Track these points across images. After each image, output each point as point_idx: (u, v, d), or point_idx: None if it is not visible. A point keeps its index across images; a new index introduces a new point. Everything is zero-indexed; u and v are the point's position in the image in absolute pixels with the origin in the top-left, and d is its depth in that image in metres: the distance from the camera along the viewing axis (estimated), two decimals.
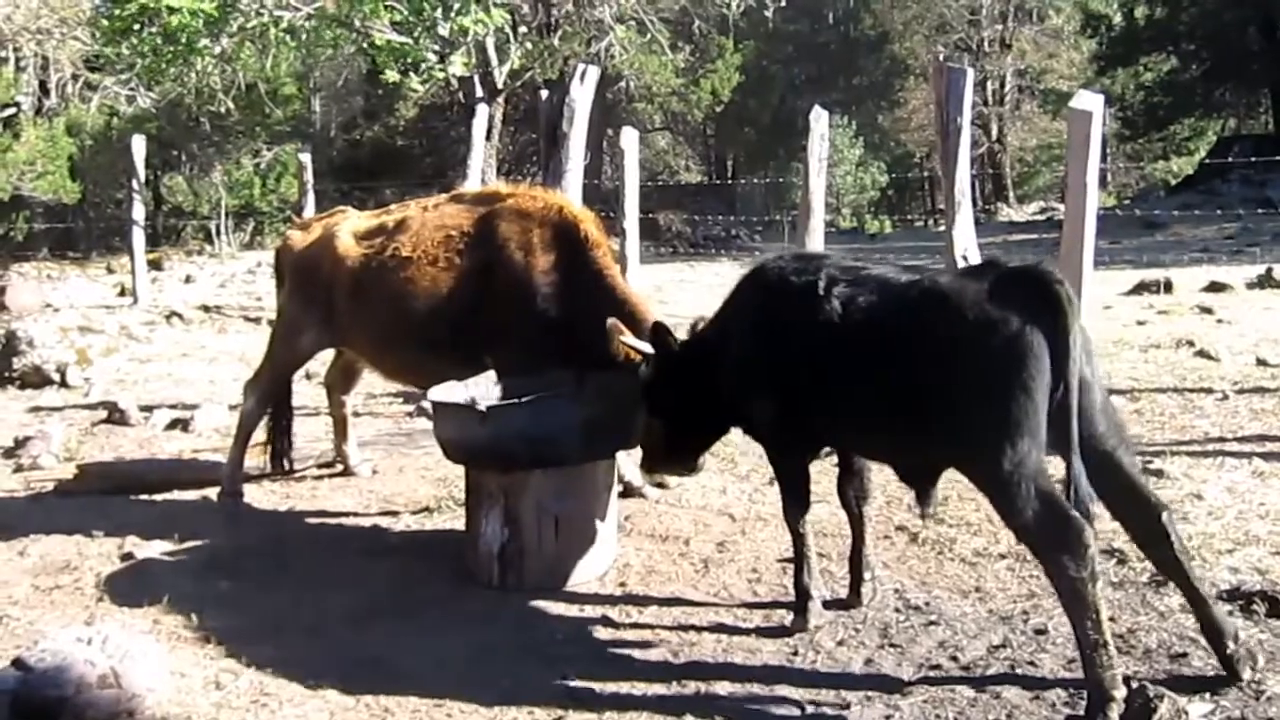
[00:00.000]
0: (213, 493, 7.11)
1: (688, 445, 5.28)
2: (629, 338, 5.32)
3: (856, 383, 4.28)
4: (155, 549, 6.01)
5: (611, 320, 5.39)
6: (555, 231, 6.05)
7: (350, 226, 6.76)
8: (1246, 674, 4.02)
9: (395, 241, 6.40)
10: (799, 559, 4.86)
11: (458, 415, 5.52)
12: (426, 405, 8.94)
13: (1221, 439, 7.35)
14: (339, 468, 7.64)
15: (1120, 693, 3.73)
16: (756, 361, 4.65)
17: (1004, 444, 3.78)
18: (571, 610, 5.14)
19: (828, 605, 4.95)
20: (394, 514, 6.75)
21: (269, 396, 7.24)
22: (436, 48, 15.97)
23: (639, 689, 4.29)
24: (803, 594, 4.84)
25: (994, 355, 3.85)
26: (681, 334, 5.24)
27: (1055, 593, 3.96)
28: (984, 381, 3.87)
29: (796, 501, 4.83)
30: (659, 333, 5.12)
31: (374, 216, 6.89)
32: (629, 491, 6.54)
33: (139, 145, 18.22)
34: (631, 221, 11.96)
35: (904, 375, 4.10)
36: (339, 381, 7.56)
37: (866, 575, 5.08)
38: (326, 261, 6.66)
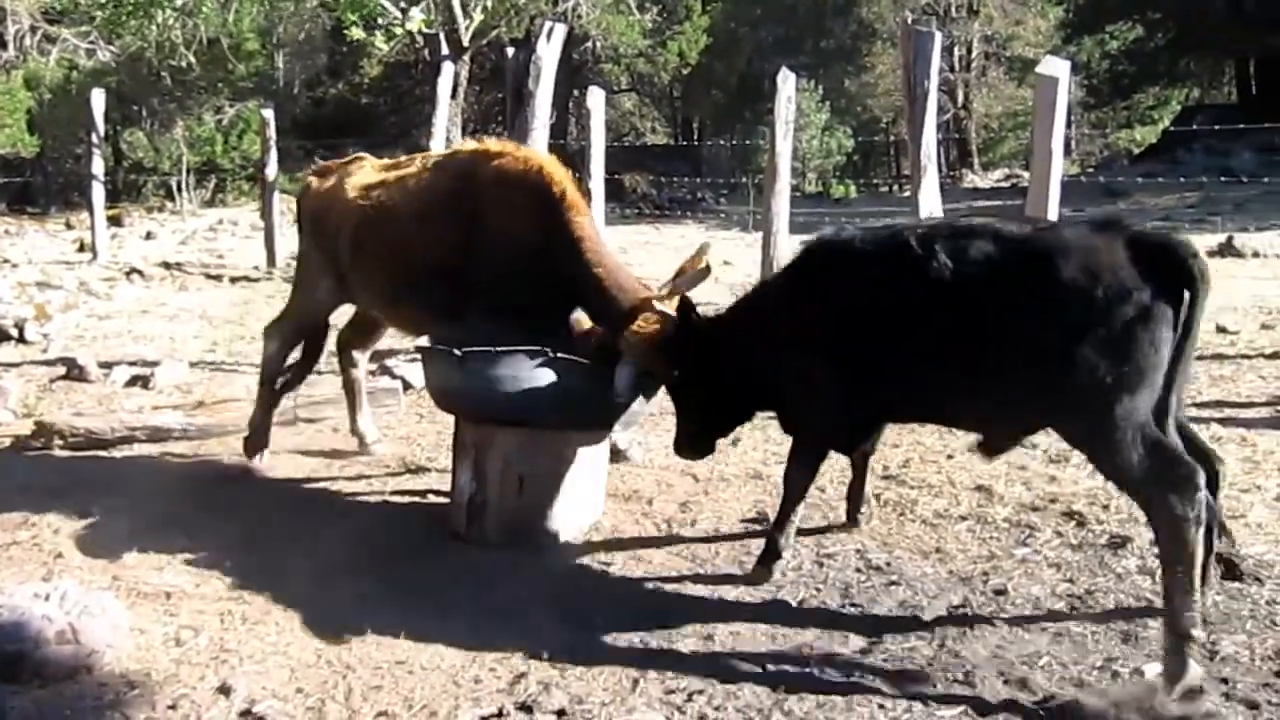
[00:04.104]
0: (176, 447, 7.06)
1: (709, 430, 5.30)
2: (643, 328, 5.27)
3: (958, 344, 4.19)
4: (115, 506, 5.94)
5: (575, 314, 5.31)
6: (533, 191, 5.82)
7: (356, 180, 6.55)
8: None
9: (390, 196, 6.26)
10: (783, 516, 4.96)
11: (438, 361, 5.51)
12: (390, 364, 8.94)
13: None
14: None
15: (1199, 634, 3.80)
16: (824, 332, 4.58)
17: (1120, 401, 3.86)
18: (538, 569, 5.13)
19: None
20: (363, 472, 6.72)
21: (290, 343, 6.96)
22: (402, 2, 15.83)
23: (602, 647, 4.30)
24: (773, 550, 4.94)
25: (1130, 320, 3.88)
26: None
27: (1153, 531, 4.01)
28: (1114, 344, 3.88)
29: (808, 474, 4.95)
30: (685, 312, 5.04)
31: (383, 169, 6.65)
32: (614, 455, 6.48)
33: (98, 99, 17.99)
34: (597, 182, 11.90)
35: (1012, 335, 4.07)
36: (353, 337, 7.17)
37: (862, 509, 5.48)
38: (335, 212, 6.52)
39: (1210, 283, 3.96)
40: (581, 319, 5.31)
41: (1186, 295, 3.88)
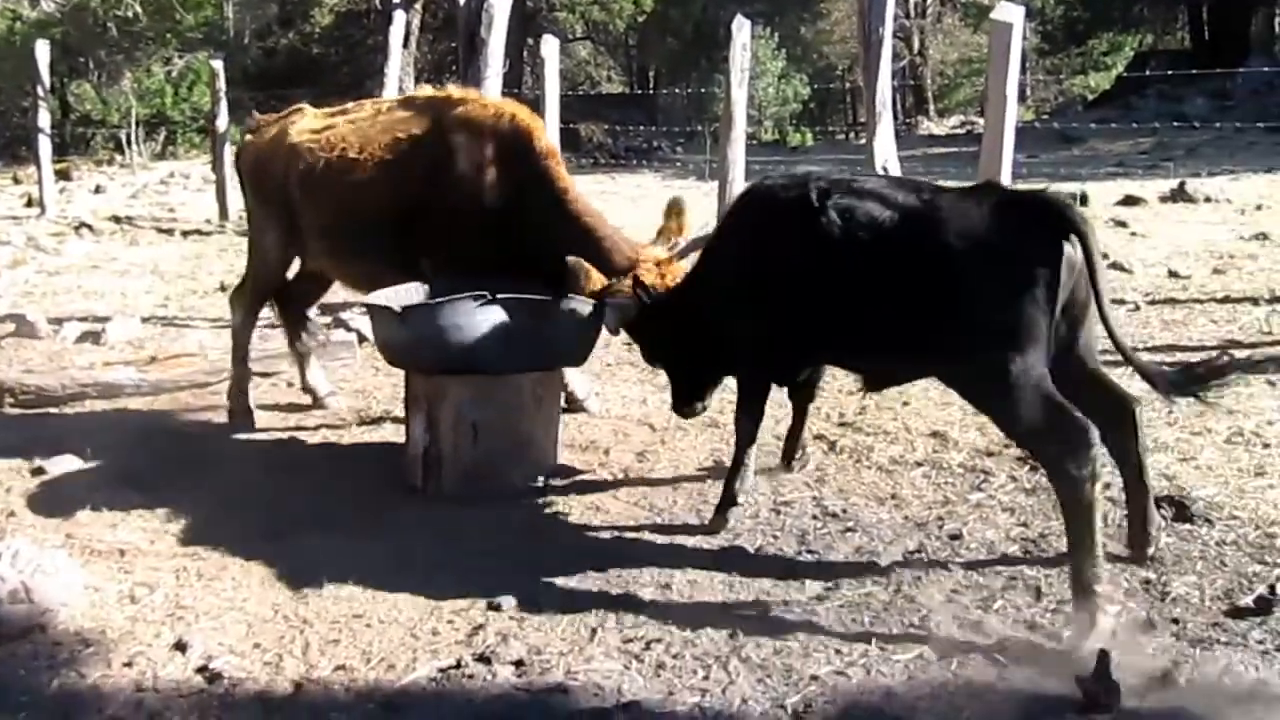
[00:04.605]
0: (129, 404, 7.00)
1: (694, 388, 5.37)
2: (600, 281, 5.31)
3: (864, 300, 4.27)
4: (68, 464, 5.89)
5: (573, 259, 5.22)
6: (505, 140, 5.72)
7: (303, 126, 6.36)
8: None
9: (345, 143, 6.05)
10: (736, 462, 4.98)
11: (380, 316, 5.52)
12: (345, 316, 8.87)
13: (1133, 349, 7.42)
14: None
15: (1102, 589, 3.83)
16: (752, 281, 4.64)
17: (1013, 355, 3.90)
18: (494, 520, 5.12)
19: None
20: (317, 425, 6.67)
21: (256, 306, 6.81)
22: None
23: (559, 597, 4.31)
24: (729, 497, 4.96)
25: (1003, 278, 3.95)
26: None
27: (1054, 493, 4.05)
28: (990, 304, 3.97)
29: (751, 415, 4.97)
30: (640, 292, 5.08)
31: (327, 115, 6.45)
32: (572, 405, 6.49)
33: (43, 51, 17.65)
34: (552, 132, 11.78)
35: (912, 292, 4.13)
36: (297, 290, 6.94)
37: (798, 454, 5.51)
38: (280, 163, 6.31)
39: (1094, 229, 4.00)
40: (586, 267, 5.23)
41: (1070, 247, 3.91)
